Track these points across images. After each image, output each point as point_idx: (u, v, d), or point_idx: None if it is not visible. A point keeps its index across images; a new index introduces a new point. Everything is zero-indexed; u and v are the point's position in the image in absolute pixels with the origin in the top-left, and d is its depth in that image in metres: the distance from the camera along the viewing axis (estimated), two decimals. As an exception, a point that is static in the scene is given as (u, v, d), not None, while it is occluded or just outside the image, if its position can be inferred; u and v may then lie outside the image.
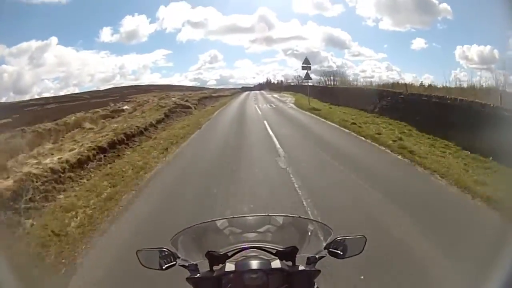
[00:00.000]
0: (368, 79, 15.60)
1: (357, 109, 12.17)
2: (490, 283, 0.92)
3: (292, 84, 21.29)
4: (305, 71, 15.29)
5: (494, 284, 0.91)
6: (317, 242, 1.11)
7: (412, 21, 19.65)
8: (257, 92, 22.81)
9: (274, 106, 16.23)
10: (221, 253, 1.04)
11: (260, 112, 14.02)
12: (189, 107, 15.20)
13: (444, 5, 17.43)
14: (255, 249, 1.08)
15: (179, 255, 1.07)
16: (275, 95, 21.28)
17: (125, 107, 13.97)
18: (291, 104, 16.74)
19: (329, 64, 18.82)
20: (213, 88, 20.02)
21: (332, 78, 16.09)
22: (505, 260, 0.99)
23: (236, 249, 1.08)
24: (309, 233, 1.17)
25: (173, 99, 15.80)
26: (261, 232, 1.20)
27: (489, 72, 11.35)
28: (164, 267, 1.04)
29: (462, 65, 12.09)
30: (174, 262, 1.05)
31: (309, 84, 16.19)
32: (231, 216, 1.24)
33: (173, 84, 19.08)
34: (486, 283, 0.95)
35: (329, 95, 15.75)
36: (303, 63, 15.24)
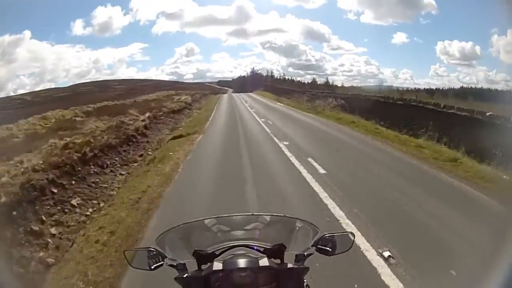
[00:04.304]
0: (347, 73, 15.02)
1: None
2: (489, 284, 0.94)
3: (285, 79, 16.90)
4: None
5: (493, 284, 0.93)
6: (304, 239, 1.12)
7: (395, 15, 19.54)
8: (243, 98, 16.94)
9: None
10: (209, 251, 1.04)
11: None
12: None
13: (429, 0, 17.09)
14: (243, 247, 1.09)
15: (167, 255, 1.06)
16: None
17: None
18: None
19: (307, 58, 18.30)
20: (187, 83, 18.71)
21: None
22: (504, 261, 0.99)
23: (224, 247, 1.08)
24: (296, 231, 1.18)
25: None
26: (248, 230, 1.21)
27: (470, 67, 11.28)
28: (152, 267, 1.03)
29: (443, 60, 12.20)
30: (162, 262, 1.04)
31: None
32: (219, 215, 1.24)
33: (150, 78, 18.26)
34: (486, 283, 0.96)
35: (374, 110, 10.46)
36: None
